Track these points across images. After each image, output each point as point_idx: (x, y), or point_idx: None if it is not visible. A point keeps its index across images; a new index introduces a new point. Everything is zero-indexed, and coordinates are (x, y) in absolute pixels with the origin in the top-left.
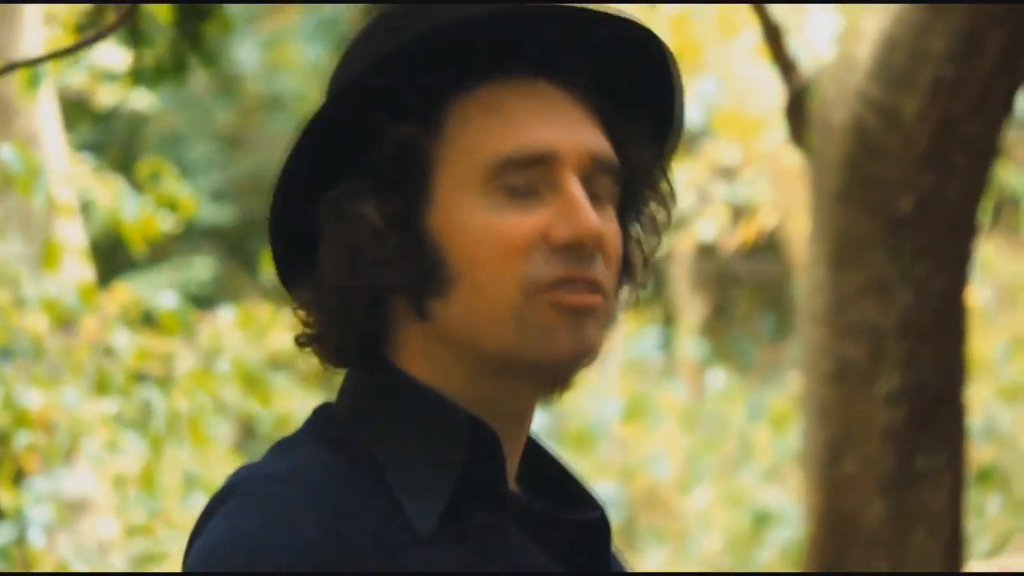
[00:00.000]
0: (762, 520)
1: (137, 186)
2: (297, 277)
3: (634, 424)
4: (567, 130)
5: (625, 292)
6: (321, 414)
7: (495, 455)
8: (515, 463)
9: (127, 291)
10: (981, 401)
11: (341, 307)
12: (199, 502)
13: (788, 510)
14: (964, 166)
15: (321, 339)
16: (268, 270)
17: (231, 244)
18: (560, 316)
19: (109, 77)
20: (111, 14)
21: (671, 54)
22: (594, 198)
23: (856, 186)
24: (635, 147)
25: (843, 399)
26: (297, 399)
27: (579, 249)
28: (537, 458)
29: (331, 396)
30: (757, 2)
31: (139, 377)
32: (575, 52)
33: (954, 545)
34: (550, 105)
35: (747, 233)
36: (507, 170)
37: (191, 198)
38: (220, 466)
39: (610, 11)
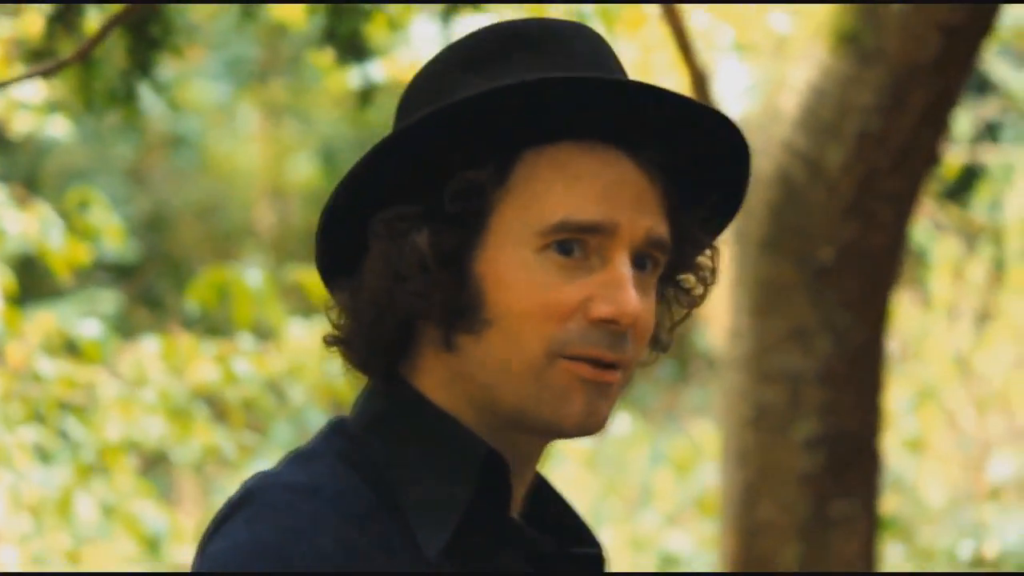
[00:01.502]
0: (668, 563)
1: (62, 214)
2: (335, 278)
3: (541, 468)
4: (628, 205)
5: (645, 353)
6: (336, 428)
7: (504, 486)
8: (519, 497)
9: (50, 318)
10: (885, 451)
11: (374, 322)
12: (113, 532)
13: (692, 553)
14: (886, 218)
15: (349, 344)
16: (178, 305)
17: (133, 280)
18: (577, 385)
19: (26, 107)
20: (63, 42)
21: (748, 145)
22: (640, 266)
23: (779, 235)
24: (689, 223)
25: (761, 444)
26: (218, 433)
27: (614, 328)
28: (542, 495)
29: (255, 429)
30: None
31: (60, 406)
32: (654, 128)
33: None
34: (617, 176)
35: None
36: (563, 232)
37: (117, 228)
38: (132, 496)
39: (696, 100)
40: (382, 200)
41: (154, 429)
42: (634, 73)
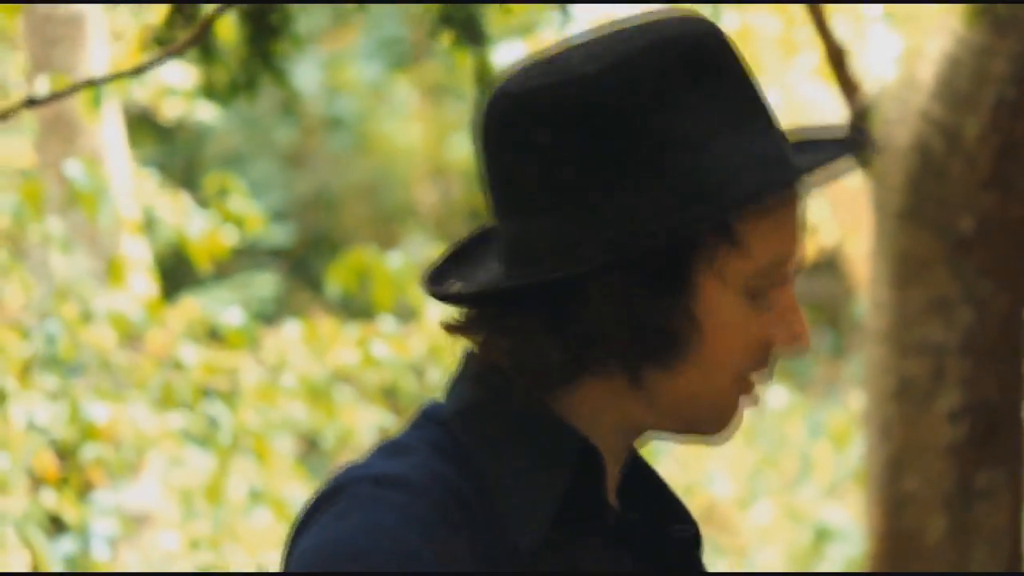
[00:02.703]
0: (823, 536)
1: (203, 202)
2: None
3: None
4: (799, 236)
5: None
6: (430, 415)
7: (599, 479)
8: (615, 479)
9: (193, 306)
10: None
11: (576, 358)
12: (263, 517)
13: (848, 526)
14: None
15: (525, 366)
16: (331, 287)
17: (292, 263)
18: (741, 407)
19: (174, 93)
20: (181, 31)
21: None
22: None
23: (918, 206)
24: None
25: (905, 416)
26: (360, 414)
27: (790, 353)
28: (637, 471)
29: (395, 411)
30: (817, 1)
31: (205, 392)
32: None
33: (1014, 562)
34: (800, 215)
35: (807, 251)
36: (770, 272)
37: (257, 215)
38: (284, 481)
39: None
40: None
41: (297, 413)
42: (774, 45)
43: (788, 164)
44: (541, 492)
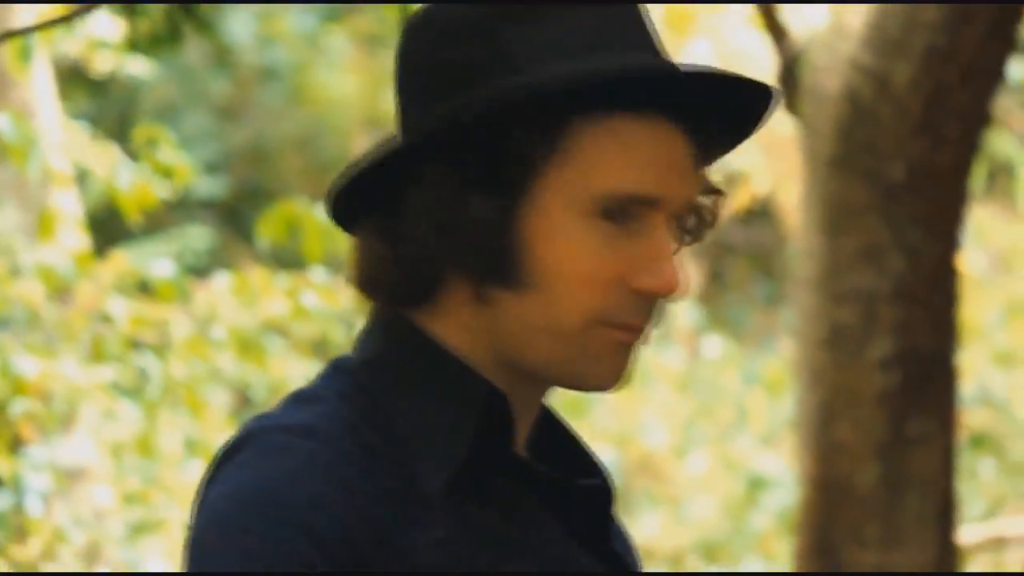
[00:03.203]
0: (757, 485)
1: (133, 154)
2: (355, 217)
3: (630, 390)
4: (677, 176)
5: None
6: (338, 367)
7: (506, 424)
8: (524, 433)
9: (123, 259)
10: (975, 367)
11: (414, 270)
12: (197, 469)
13: (783, 475)
14: (956, 134)
15: (372, 285)
16: (263, 239)
17: (227, 215)
18: (611, 350)
19: (104, 45)
20: None
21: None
22: (674, 237)
23: (849, 153)
24: (706, 174)
25: (836, 364)
26: (292, 364)
27: (655, 297)
28: (551, 427)
29: (324, 362)
30: None
31: (135, 345)
32: (692, 93)
33: (947, 509)
34: (669, 149)
35: (740, 201)
36: (615, 201)
37: (188, 166)
38: (216, 432)
39: (749, 78)
40: (430, 153)
41: (228, 365)
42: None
43: (610, 67)
44: (449, 437)
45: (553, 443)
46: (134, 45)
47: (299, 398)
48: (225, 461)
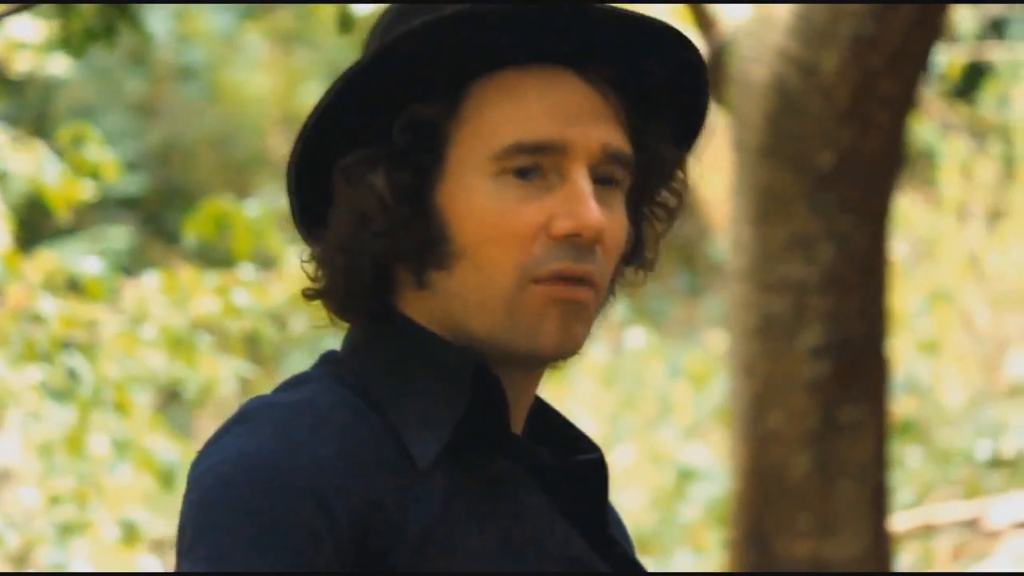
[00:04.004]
0: (686, 477)
1: (58, 152)
2: (312, 230)
3: (557, 385)
4: (582, 121)
5: (633, 274)
6: (327, 358)
7: (498, 397)
8: (520, 416)
9: (51, 257)
10: (900, 355)
11: (347, 266)
12: (126, 470)
13: (711, 466)
14: (884, 122)
15: (327, 294)
16: (188, 237)
17: (146, 214)
18: (550, 308)
19: (25, 47)
20: None
21: (699, 55)
22: (604, 184)
23: (777, 142)
24: (654, 140)
25: (767, 354)
26: (223, 362)
27: (578, 240)
28: (543, 416)
29: (257, 361)
30: None
31: (64, 344)
32: (604, 47)
33: (878, 496)
34: (569, 95)
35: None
36: (516, 154)
37: (113, 163)
38: (144, 432)
39: (642, 14)
40: (344, 147)
41: (158, 364)
42: None
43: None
44: (438, 412)
45: (548, 430)
46: (67, 43)
47: (292, 382)
48: (223, 435)
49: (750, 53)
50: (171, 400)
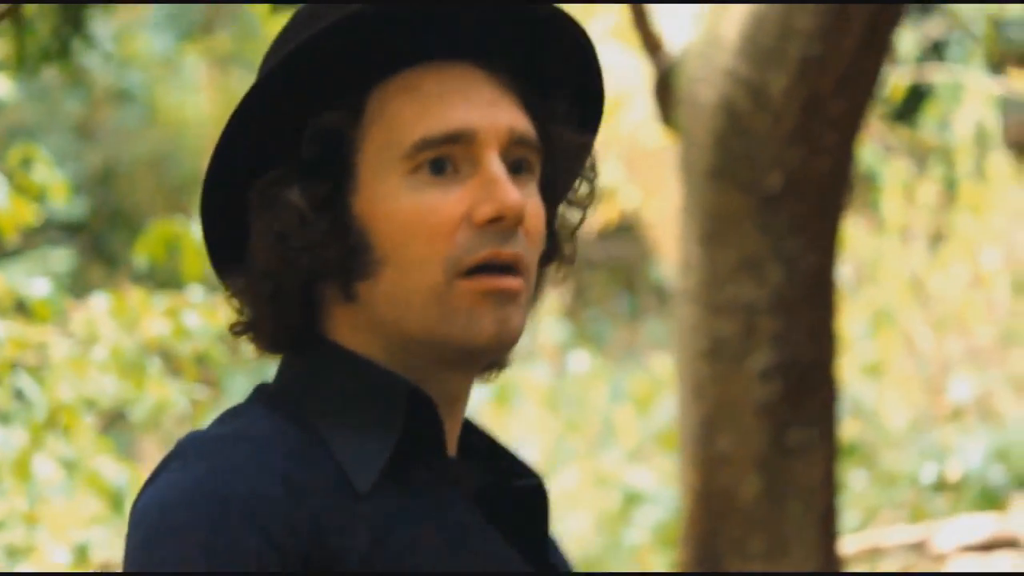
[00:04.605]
0: (631, 500)
1: (6, 173)
2: (230, 266)
3: (500, 407)
4: (484, 108)
5: (552, 269)
6: (261, 389)
7: (433, 420)
8: (454, 437)
9: None
10: (844, 377)
11: (273, 293)
12: (72, 493)
13: (655, 489)
14: (832, 143)
15: (255, 326)
16: (131, 260)
17: (87, 236)
18: (483, 301)
19: None
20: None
21: (589, 37)
22: (516, 170)
23: (726, 164)
24: (557, 126)
25: (717, 376)
26: (172, 385)
27: (501, 224)
28: (471, 436)
29: (207, 383)
30: None
31: (12, 366)
32: (496, 37)
33: (828, 519)
34: (467, 85)
35: (607, 214)
36: (425, 150)
37: (62, 185)
38: (91, 454)
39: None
40: (254, 173)
41: (108, 386)
42: (571, 8)
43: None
44: (374, 438)
45: (481, 448)
46: (21, 63)
47: (227, 415)
48: (160, 471)
49: (698, 74)
50: (115, 422)
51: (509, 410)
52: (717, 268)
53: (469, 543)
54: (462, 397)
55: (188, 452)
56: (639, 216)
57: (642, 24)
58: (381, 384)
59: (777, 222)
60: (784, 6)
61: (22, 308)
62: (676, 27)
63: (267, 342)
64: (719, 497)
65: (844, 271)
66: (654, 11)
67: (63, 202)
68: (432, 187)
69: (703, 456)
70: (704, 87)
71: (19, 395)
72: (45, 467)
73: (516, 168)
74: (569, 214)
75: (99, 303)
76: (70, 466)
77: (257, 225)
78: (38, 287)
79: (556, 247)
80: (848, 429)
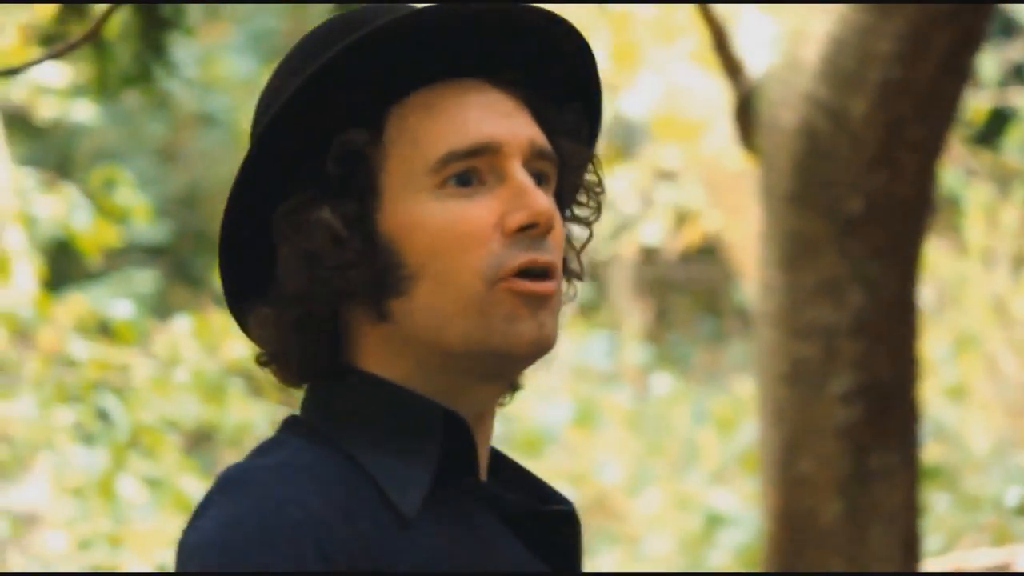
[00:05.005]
0: (714, 522)
1: (89, 196)
2: (251, 297)
3: (583, 429)
4: (505, 121)
5: (564, 286)
6: (290, 424)
7: (468, 444)
8: (485, 456)
9: (81, 301)
10: (927, 401)
11: (301, 319)
12: (157, 514)
13: (738, 511)
14: (912, 167)
15: (282, 356)
16: (215, 282)
17: (170, 258)
18: (521, 305)
19: (49, 92)
20: (74, 27)
21: (590, 49)
22: (537, 183)
23: (806, 188)
24: (565, 139)
25: (797, 399)
26: (254, 408)
27: (533, 231)
28: (498, 462)
29: (289, 404)
30: (705, 1)
31: (96, 387)
32: (506, 52)
33: (909, 543)
34: (485, 100)
35: (690, 237)
36: (451, 163)
37: (144, 207)
38: (177, 475)
39: (531, 8)
40: (277, 202)
41: (190, 407)
42: (652, 31)
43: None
44: (414, 464)
45: (511, 475)
46: (100, 88)
47: (265, 447)
48: (208, 508)
49: (778, 98)
50: (199, 441)
51: (591, 432)
52: (797, 292)
53: (509, 566)
54: (489, 415)
55: (234, 485)
56: (722, 238)
57: (722, 47)
58: (415, 409)
59: (857, 246)
60: (864, 30)
61: (105, 330)
62: (757, 51)
63: (292, 372)
64: (800, 520)
65: (927, 294)
66: (735, 35)
67: (145, 224)
68: (460, 199)
69: (784, 479)
70: (784, 111)
71: (103, 416)
72: (130, 487)
73: (537, 180)
74: (577, 226)
75: (181, 325)
76: (154, 485)
77: (285, 250)
78: (121, 309)
79: (566, 266)
80: (931, 452)
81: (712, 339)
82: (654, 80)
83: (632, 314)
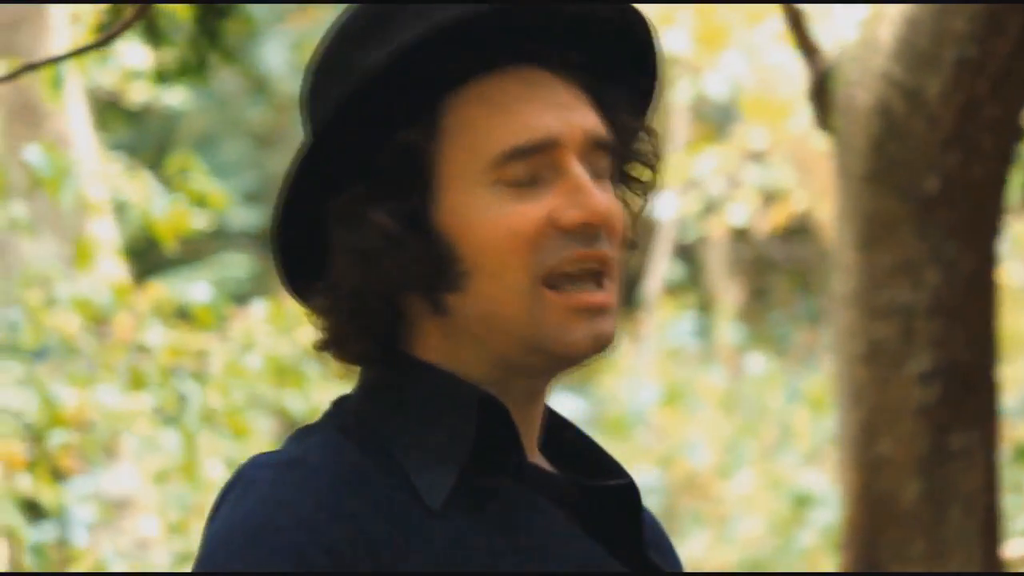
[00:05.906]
0: (802, 502)
1: (166, 182)
2: (309, 283)
3: (672, 410)
4: (563, 114)
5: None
6: (339, 405)
7: (507, 426)
8: (534, 436)
9: (160, 288)
10: (1019, 378)
11: (356, 310)
12: None
13: (828, 492)
14: (989, 146)
15: (339, 342)
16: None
17: (265, 244)
18: (575, 317)
19: (138, 76)
20: (130, 12)
21: (650, 23)
22: (594, 175)
23: (882, 168)
24: (621, 114)
25: (875, 380)
26: (333, 390)
27: (588, 230)
28: (560, 432)
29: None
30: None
31: (174, 373)
32: (559, 33)
33: (990, 523)
34: (543, 91)
35: (777, 217)
36: (510, 162)
37: (221, 193)
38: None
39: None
40: (333, 192)
41: (266, 391)
42: (739, 12)
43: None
44: (445, 450)
45: (570, 448)
46: (161, 75)
47: (298, 434)
48: (221, 503)
49: (854, 78)
50: (288, 426)
51: (680, 412)
52: (874, 271)
53: (553, 548)
54: (543, 393)
55: (243, 483)
56: (815, 218)
57: (798, 28)
58: (452, 394)
59: (934, 226)
60: (938, 8)
61: (185, 315)
62: (834, 31)
63: (351, 357)
64: (879, 501)
65: (1019, 271)
66: (810, 15)
67: (222, 210)
68: (516, 197)
69: (863, 460)
70: (860, 91)
71: (183, 399)
72: (215, 470)
73: (595, 173)
74: (632, 200)
75: (258, 310)
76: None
77: (339, 243)
78: (199, 293)
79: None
80: (1020, 430)
81: (809, 319)
82: (739, 61)
83: (725, 294)
